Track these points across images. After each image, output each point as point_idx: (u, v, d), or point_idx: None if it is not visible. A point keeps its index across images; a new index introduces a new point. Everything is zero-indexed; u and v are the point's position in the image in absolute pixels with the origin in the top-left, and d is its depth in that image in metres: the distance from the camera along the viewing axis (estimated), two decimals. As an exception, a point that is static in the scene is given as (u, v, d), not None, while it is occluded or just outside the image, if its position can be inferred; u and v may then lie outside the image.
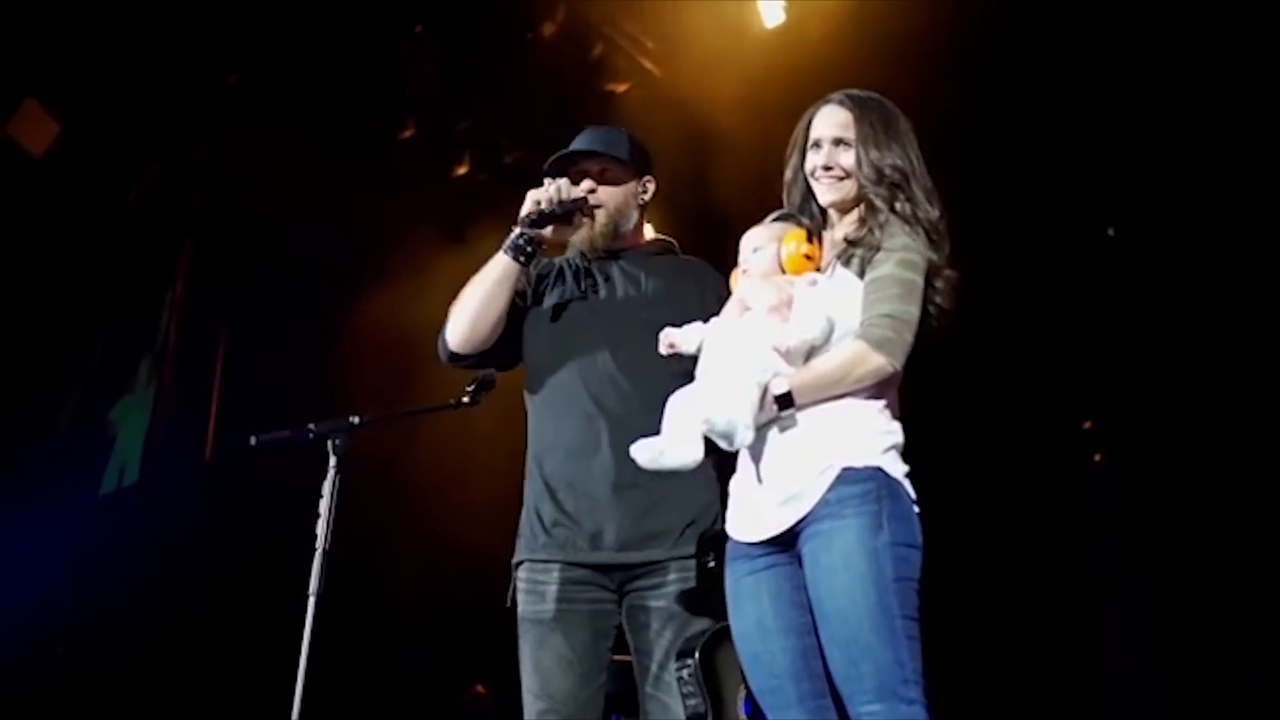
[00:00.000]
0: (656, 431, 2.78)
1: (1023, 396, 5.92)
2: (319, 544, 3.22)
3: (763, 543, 2.79)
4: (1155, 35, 5.59)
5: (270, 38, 6.32)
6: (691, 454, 2.70)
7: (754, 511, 2.81)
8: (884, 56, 5.57)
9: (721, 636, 3.11)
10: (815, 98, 3.07)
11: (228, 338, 6.69)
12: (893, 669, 2.62)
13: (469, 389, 3.46)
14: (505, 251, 3.30)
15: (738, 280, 3.01)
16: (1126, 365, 5.83)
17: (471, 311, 3.34)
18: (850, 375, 2.73)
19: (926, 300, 2.81)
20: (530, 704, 3.22)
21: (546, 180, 3.32)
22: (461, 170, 6.79)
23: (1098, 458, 6.04)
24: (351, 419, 3.35)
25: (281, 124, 6.37)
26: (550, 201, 3.28)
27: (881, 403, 2.79)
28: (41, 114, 6.16)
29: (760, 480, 2.79)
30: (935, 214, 2.87)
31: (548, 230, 3.31)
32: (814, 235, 2.96)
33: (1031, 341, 5.90)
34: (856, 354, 2.73)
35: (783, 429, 2.76)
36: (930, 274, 2.82)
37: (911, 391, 2.93)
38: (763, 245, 2.99)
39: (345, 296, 6.23)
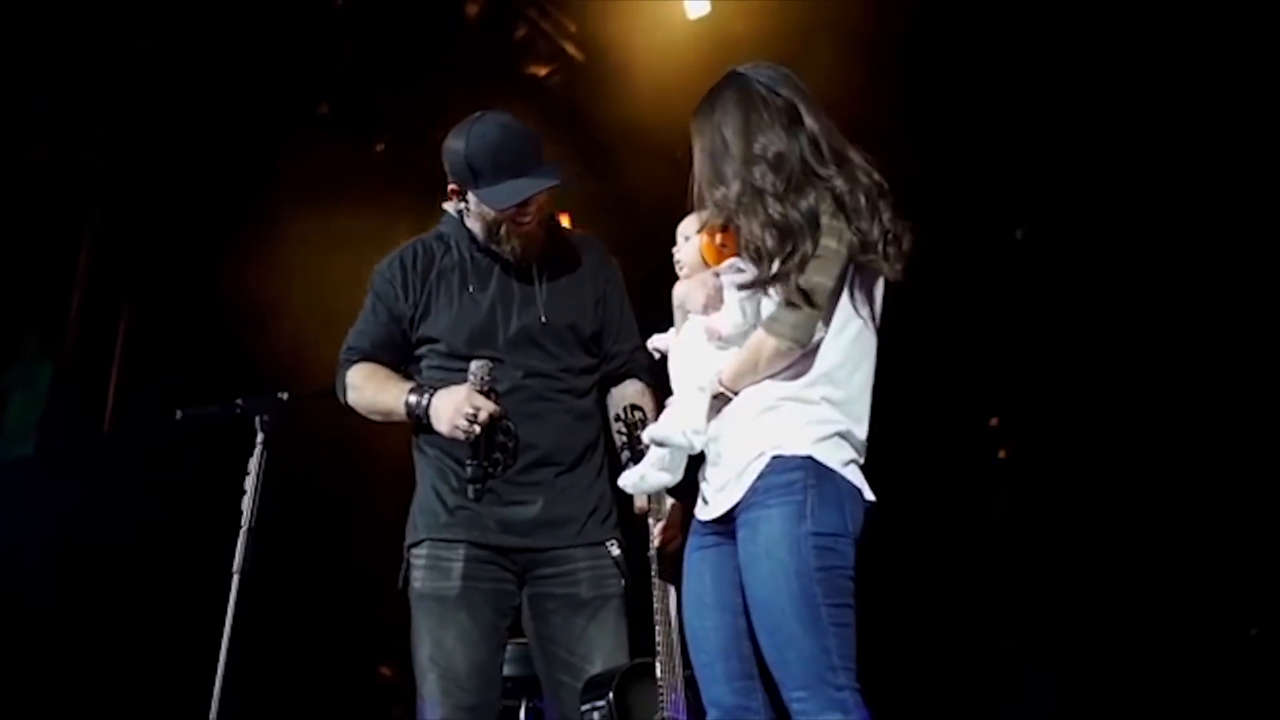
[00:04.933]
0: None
1: (930, 393, 6.01)
2: (244, 522, 3.17)
3: (712, 521, 2.84)
4: (1065, 38, 5.71)
5: (183, 3, 6.17)
6: (668, 476, 2.81)
7: (703, 493, 2.87)
8: (803, 51, 5.63)
9: (636, 674, 3.18)
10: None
11: (131, 309, 6.51)
12: (818, 657, 2.63)
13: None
14: (405, 407, 3.30)
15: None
16: (1033, 364, 5.96)
17: (367, 412, 3.44)
18: (759, 362, 2.76)
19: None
20: (432, 680, 3.23)
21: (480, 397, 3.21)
22: (379, 147, 6.72)
23: (1002, 454, 6.17)
24: (280, 395, 3.29)
25: (193, 93, 6.24)
26: (467, 436, 3.21)
27: (824, 390, 2.78)
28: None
29: (706, 465, 2.85)
30: (797, 212, 2.74)
31: None
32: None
33: (940, 340, 6.00)
34: (756, 341, 2.77)
35: (727, 418, 2.79)
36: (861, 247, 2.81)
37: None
38: (691, 234, 3.00)
39: (258, 270, 6.10)
